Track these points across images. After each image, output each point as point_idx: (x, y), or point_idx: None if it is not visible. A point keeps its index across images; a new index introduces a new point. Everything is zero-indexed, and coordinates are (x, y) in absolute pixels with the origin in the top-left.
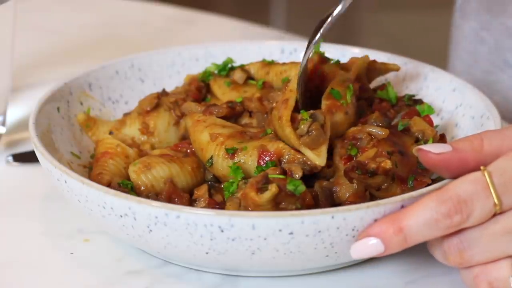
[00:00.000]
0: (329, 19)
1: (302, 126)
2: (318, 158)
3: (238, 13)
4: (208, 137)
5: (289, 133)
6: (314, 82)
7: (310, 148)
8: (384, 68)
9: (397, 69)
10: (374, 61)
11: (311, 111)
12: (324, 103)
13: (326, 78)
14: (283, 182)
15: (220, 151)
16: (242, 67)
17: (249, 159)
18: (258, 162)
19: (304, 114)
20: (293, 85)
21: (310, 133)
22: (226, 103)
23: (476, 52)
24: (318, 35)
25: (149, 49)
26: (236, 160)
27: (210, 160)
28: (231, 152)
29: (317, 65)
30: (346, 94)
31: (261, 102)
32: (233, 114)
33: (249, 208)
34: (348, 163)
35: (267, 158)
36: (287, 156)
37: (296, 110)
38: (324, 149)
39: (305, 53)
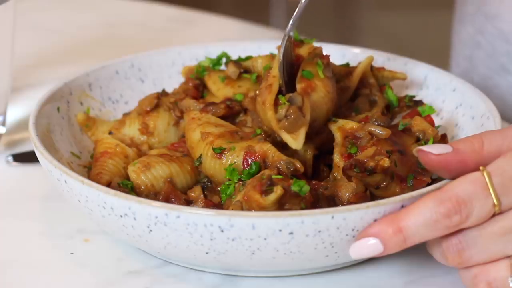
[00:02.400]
0: (298, 8)
1: (280, 111)
2: (294, 142)
3: (238, 13)
4: (199, 135)
5: (270, 116)
6: (295, 67)
7: (289, 132)
8: (391, 76)
9: (404, 78)
10: (382, 68)
11: (289, 94)
12: (299, 87)
13: (303, 60)
14: (287, 183)
15: (209, 150)
16: (236, 61)
17: (236, 159)
18: (243, 163)
19: (282, 98)
20: (275, 70)
21: (288, 117)
22: (224, 103)
23: (473, 57)
24: (291, 22)
25: (149, 49)
26: (223, 160)
27: (199, 159)
28: (218, 152)
29: (293, 49)
30: (317, 72)
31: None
32: (231, 113)
33: (253, 210)
34: (347, 161)
35: (251, 159)
36: (271, 157)
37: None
38: (302, 132)
39: (282, 41)
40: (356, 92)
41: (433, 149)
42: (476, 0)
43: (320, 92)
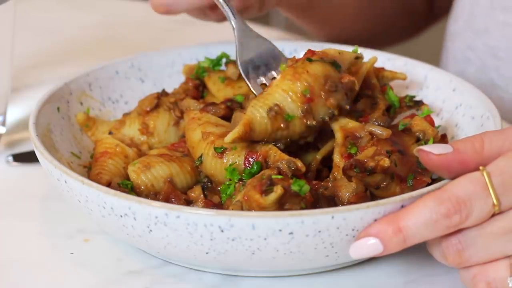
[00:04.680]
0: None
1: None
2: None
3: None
4: (200, 135)
5: None
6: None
7: None
8: (391, 76)
9: (404, 78)
10: (382, 69)
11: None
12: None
13: None
14: (287, 183)
15: (210, 150)
16: (235, 61)
17: (237, 159)
18: (244, 163)
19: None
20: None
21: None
22: (224, 103)
23: (464, 73)
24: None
25: (149, 49)
26: (224, 159)
27: (200, 158)
28: (220, 151)
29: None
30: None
31: None
32: (232, 114)
33: (253, 210)
34: (347, 162)
35: (252, 159)
36: (272, 157)
37: None
38: (235, 129)
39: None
40: (357, 93)
41: (434, 149)
42: (465, 16)
43: (275, 81)
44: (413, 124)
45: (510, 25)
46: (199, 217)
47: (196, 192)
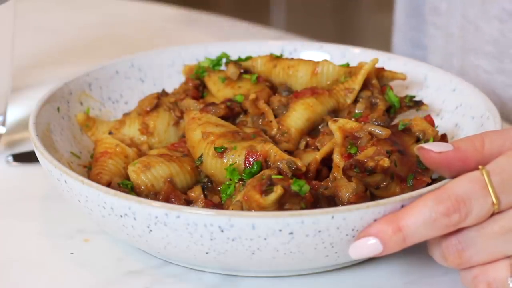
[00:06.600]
0: None
1: None
2: None
3: (238, 13)
4: (200, 135)
5: None
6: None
7: None
8: (391, 76)
9: (403, 78)
10: (381, 69)
11: None
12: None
13: None
14: (287, 183)
15: (210, 150)
16: (236, 61)
17: (237, 158)
18: (245, 162)
19: None
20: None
21: None
22: (224, 103)
23: None
24: None
25: (149, 49)
26: (224, 159)
27: (200, 158)
28: (220, 151)
29: None
30: None
31: (256, 104)
32: (232, 114)
33: (253, 210)
34: (347, 162)
35: (253, 159)
36: (272, 157)
37: None
38: None
39: None
40: (357, 93)
41: (434, 147)
42: (440, 54)
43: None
44: (413, 124)
45: (483, 69)
46: (199, 217)
47: (196, 192)
